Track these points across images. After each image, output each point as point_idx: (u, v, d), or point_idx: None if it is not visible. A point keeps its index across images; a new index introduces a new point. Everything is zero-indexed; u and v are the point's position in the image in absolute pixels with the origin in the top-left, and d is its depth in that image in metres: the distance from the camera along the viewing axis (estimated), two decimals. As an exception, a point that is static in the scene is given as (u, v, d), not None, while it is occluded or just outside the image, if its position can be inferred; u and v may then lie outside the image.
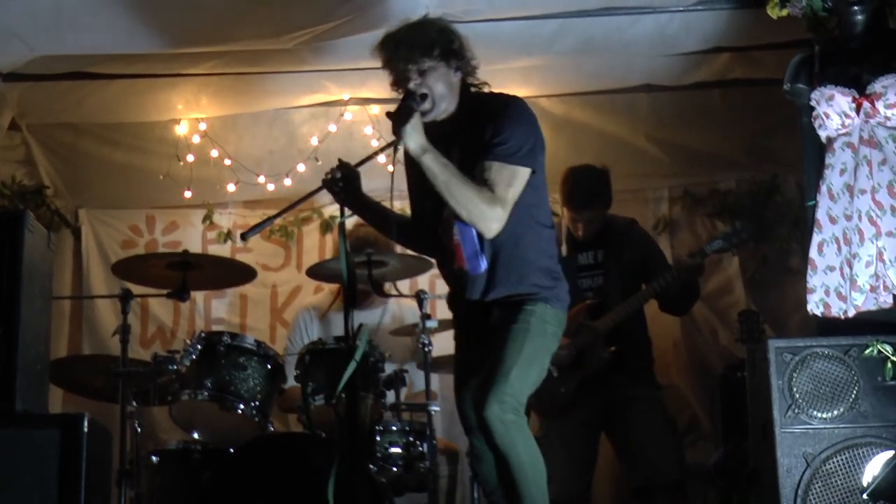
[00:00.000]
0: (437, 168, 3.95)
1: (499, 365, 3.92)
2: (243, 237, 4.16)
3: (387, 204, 4.29)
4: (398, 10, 5.35)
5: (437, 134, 4.03)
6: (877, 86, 4.38)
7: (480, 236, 4.03)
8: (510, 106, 4.10)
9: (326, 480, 3.80)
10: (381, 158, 5.13)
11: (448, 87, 4.08)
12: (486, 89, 4.20)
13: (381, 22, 5.39)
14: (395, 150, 3.98)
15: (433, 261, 4.59)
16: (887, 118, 4.37)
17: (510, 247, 4.06)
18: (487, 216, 3.95)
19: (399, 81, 4.10)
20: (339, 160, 4.15)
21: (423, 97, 4.03)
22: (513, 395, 3.88)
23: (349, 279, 3.97)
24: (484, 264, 4.07)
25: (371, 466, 4.93)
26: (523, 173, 4.00)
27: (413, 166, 4.12)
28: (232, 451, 4.92)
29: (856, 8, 4.51)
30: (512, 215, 3.99)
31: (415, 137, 3.94)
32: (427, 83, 4.05)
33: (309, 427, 5.02)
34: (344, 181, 4.10)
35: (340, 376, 3.87)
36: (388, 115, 4.03)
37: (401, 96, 4.09)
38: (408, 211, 4.50)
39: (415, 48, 4.04)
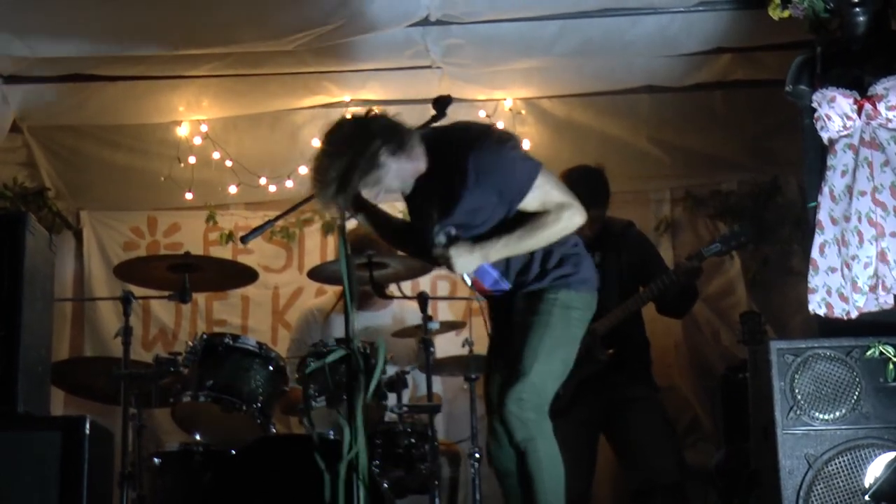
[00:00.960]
0: (506, 249, 3.96)
1: (519, 362, 3.96)
2: (243, 240, 4.17)
3: (390, 203, 4.30)
4: (400, 11, 5.36)
5: (416, 186, 4.04)
6: (878, 87, 4.38)
7: (493, 264, 4.06)
8: (480, 159, 3.93)
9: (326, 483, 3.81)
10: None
11: (399, 171, 3.93)
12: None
13: (383, 23, 5.41)
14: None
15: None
16: (889, 120, 4.37)
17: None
18: (567, 226, 3.97)
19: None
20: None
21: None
22: (533, 393, 3.93)
23: (349, 281, 3.97)
24: (506, 284, 4.12)
25: (373, 468, 4.93)
26: (542, 174, 3.96)
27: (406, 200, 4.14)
28: (234, 452, 4.93)
29: (857, 9, 4.52)
30: (515, 217, 3.98)
31: (469, 262, 3.95)
32: (384, 188, 3.93)
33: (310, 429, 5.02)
34: None
35: (342, 378, 3.87)
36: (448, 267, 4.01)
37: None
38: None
39: (349, 182, 3.84)
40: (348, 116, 4.13)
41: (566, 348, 4.08)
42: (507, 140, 4.04)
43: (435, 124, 4.09)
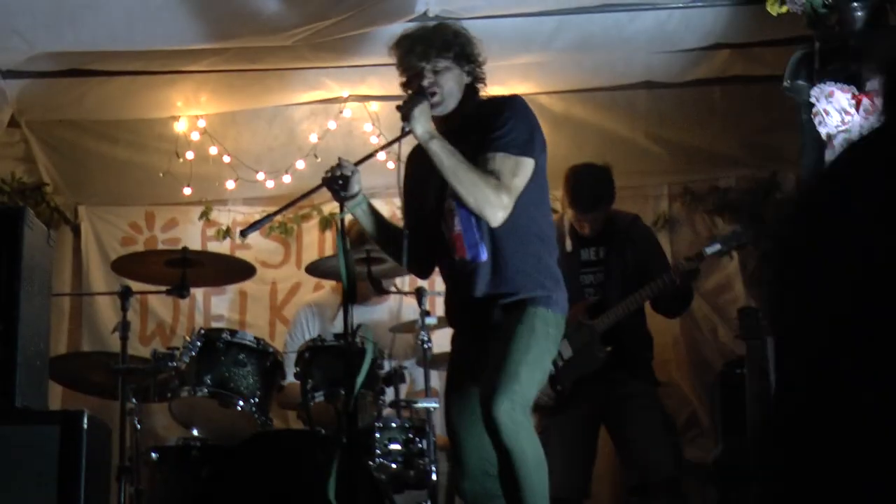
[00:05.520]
0: (445, 154, 3.96)
1: (507, 363, 3.90)
2: (242, 234, 4.18)
3: (387, 199, 4.30)
4: (398, 6, 5.36)
5: (440, 133, 4.06)
6: (876, 82, 4.38)
7: (480, 227, 4.05)
8: (512, 101, 4.17)
9: (326, 477, 3.81)
10: (381, 156, 5.14)
11: (458, 88, 4.14)
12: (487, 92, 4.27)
13: (381, 19, 5.41)
14: (402, 137, 4.01)
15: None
16: (887, 115, 4.37)
17: (513, 242, 4.07)
18: (494, 202, 3.95)
19: (412, 78, 4.14)
20: (339, 158, 4.16)
21: (433, 94, 4.07)
22: (522, 394, 3.87)
23: (348, 276, 3.98)
24: (485, 254, 4.08)
25: (370, 463, 4.93)
26: (528, 164, 4.01)
27: (415, 162, 4.12)
28: (231, 447, 4.93)
29: (856, 4, 4.52)
30: (514, 210, 3.99)
31: (423, 122, 3.98)
32: (440, 82, 4.10)
33: (309, 424, 5.02)
34: (343, 179, 4.11)
35: (340, 373, 3.88)
36: (398, 107, 4.07)
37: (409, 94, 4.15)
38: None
39: (433, 47, 4.10)
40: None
41: (545, 362, 4.06)
42: (535, 119, 4.17)
43: None
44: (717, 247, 5.63)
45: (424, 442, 5.10)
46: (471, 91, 4.19)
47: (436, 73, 4.10)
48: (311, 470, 4.46)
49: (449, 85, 4.11)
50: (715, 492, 5.70)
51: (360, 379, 3.88)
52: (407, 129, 3.99)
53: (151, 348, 5.54)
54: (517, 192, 3.99)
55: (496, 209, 3.97)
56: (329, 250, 6.70)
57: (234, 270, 5.77)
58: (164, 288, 5.42)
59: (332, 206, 6.42)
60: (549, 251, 4.18)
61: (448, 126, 4.10)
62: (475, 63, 4.19)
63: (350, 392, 3.92)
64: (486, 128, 4.06)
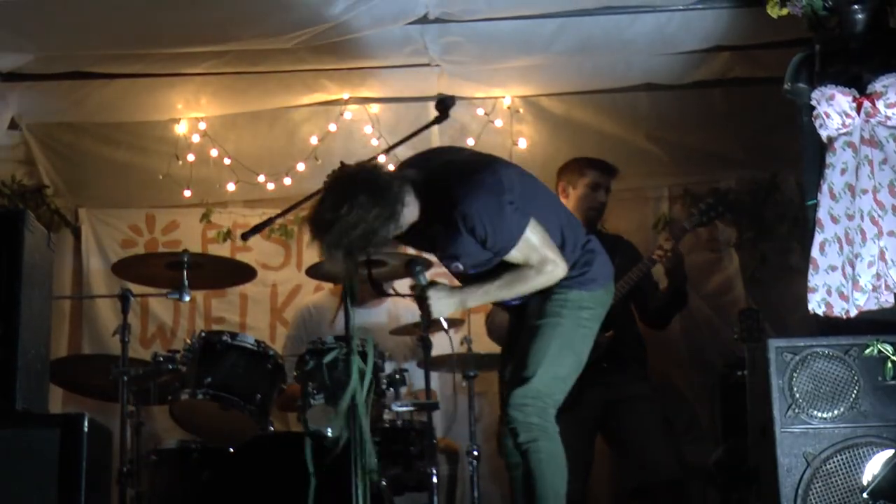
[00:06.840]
0: (485, 298, 4.09)
1: (524, 366, 4.00)
2: (244, 237, 4.19)
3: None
4: (398, 9, 5.37)
5: (413, 233, 4.05)
6: (877, 85, 4.38)
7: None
8: (464, 215, 3.91)
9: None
10: (381, 158, 5.13)
11: (386, 231, 3.92)
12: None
13: (381, 21, 5.42)
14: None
15: (433, 259, 4.59)
16: (888, 117, 4.38)
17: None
18: (550, 277, 4.02)
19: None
20: (341, 163, 4.14)
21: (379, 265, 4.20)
22: (537, 398, 3.96)
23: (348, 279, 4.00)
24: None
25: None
26: (531, 230, 3.98)
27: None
28: (232, 450, 4.92)
29: (856, 7, 4.52)
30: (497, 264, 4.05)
31: (446, 306, 4.03)
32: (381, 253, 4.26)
33: (305, 427, 5.02)
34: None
35: (340, 376, 3.89)
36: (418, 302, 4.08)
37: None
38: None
39: (347, 248, 3.89)
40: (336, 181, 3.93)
41: (576, 349, 4.09)
42: (499, 192, 3.95)
43: (433, 152, 4.22)
44: (696, 218, 5.82)
45: (425, 444, 5.10)
46: (417, 189, 3.95)
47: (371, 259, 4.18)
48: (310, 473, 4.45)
49: (384, 249, 4.23)
50: (715, 493, 5.69)
51: (353, 384, 3.89)
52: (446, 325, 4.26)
53: (152, 351, 5.55)
54: (549, 250, 4.00)
55: (556, 276, 4.02)
56: (329, 252, 6.69)
57: (234, 273, 5.77)
58: (164, 290, 5.41)
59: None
60: (568, 240, 4.13)
61: (420, 219, 4.01)
62: (392, 201, 3.85)
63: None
64: (445, 221, 3.93)
